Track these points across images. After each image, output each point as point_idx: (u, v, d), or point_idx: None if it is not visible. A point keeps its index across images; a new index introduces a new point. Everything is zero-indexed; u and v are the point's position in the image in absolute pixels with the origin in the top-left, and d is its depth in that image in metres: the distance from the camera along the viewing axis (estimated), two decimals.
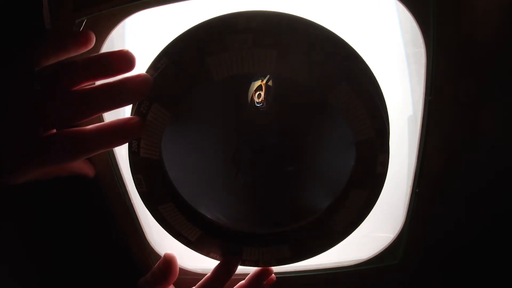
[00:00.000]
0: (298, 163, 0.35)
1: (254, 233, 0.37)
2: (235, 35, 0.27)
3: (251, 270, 0.40)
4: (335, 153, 0.34)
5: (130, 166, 0.32)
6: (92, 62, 0.28)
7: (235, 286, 0.40)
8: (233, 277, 0.38)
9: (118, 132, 0.29)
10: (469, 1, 0.32)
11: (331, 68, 0.28)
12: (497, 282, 0.44)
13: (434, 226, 0.40)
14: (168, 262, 0.38)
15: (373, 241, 0.43)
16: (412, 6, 0.31)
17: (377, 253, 0.42)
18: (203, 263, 0.42)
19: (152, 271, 0.38)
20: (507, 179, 0.38)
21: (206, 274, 0.38)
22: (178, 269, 0.38)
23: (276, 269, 0.40)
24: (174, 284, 0.39)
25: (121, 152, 0.37)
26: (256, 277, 0.40)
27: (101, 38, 0.32)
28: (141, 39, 0.36)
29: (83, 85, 0.28)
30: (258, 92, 0.31)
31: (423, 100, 0.34)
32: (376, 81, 0.32)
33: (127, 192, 0.40)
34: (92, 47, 0.30)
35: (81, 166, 0.36)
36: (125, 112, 0.37)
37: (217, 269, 0.38)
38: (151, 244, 0.43)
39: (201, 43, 0.28)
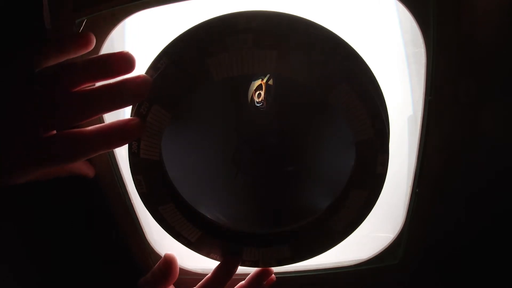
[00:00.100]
0: (298, 163, 0.35)
1: (254, 233, 0.37)
2: (235, 36, 0.27)
3: (251, 270, 0.40)
4: (335, 153, 0.34)
5: (130, 167, 0.32)
6: (92, 63, 0.28)
7: (235, 287, 0.40)
8: (233, 278, 0.38)
9: (118, 133, 0.29)
10: (469, 1, 0.32)
11: (331, 68, 0.28)
12: (497, 282, 0.44)
13: (434, 226, 0.40)
14: (168, 262, 0.38)
15: (373, 241, 0.43)
16: (412, 6, 0.31)
17: (377, 253, 0.42)
18: (203, 263, 0.42)
19: (152, 271, 0.38)
20: (507, 179, 0.38)
21: (206, 274, 0.38)
22: (178, 269, 0.38)
23: (276, 269, 0.40)
24: (174, 284, 0.39)
25: (121, 153, 0.37)
26: (256, 277, 0.40)
27: (101, 38, 0.32)
28: (141, 39, 0.36)
29: (83, 86, 0.28)
30: (258, 92, 0.31)
31: (423, 100, 0.34)
32: (376, 81, 0.32)
33: (127, 192, 0.40)
34: (92, 48, 0.30)
35: (81, 166, 0.36)
36: (125, 113, 0.37)
37: (217, 269, 0.38)
38: (151, 244, 0.43)
39: (201, 43, 0.28)
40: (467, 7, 0.32)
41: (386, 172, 0.32)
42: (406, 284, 0.44)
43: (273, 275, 0.40)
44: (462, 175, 0.38)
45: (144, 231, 0.42)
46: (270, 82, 0.31)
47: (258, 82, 0.31)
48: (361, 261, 0.43)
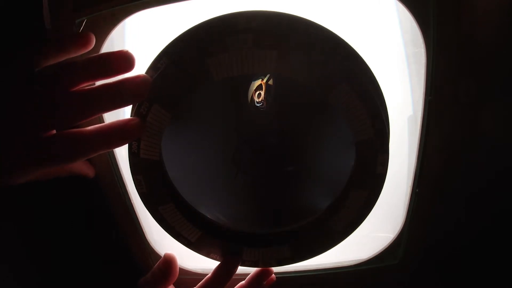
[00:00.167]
0: (298, 163, 0.35)
1: (254, 233, 0.37)
2: (235, 36, 0.27)
3: (251, 270, 0.40)
4: (335, 153, 0.34)
5: (130, 167, 0.32)
6: (92, 62, 0.28)
7: (235, 287, 0.40)
8: (233, 278, 0.38)
9: (118, 133, 0.29)
10: (469, 1, 0.32)
11: (331, 68, 0.28)
12: (497, 282, 0.44)
13: (434, 226, 0.40)
14: (168, 262, 0.38)
15: (373, 241, 0.43)
16: (412, 6, 0.31)
17: (377, 253, 0.42)
18: (203, 263, 0.42)
19: (152, 271, 0.38)
20: (507, 179, 0.38)
21: (206, 274, 0.38)
22: (178, 269, 0.38)
23: (276, 269, 0.40)
24: (174, 284, 0.39)
25: (121, 153, 0.37)
26: (256, 277, 0.40)
27: (101, 38, 0.32)
28: (141, 39, 0.36)
29: (83, 85, 0.28)
30: (258, 92, 0.31)
31: (423, 100, 0.34)
32: (376, 81, 0.32)
33: (127, 192, 0.40)
34: (92, 48, 0.30)
35: (81, 166, 0.36)
36: (125, 112, 0.37)
37: (217, 269, 0.38)
38: (151, 244, 0.43)
39: (201, 43, 0.28)
40: (467, 7, 0.32)
41: (386, 172, 0.32)
42: (406, 284, 0.44)
43: (273, 275, 0.40)
44: (462, 175, 0.38)
45: (144, 231, 0.42)
46: (270, 82, 0.31)
47: (258, 82, 0.31)
48: (361, 261, 0.43)
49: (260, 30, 0.28)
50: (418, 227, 0.39)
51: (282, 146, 0.34)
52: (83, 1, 0.31)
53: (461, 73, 0.33)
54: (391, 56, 0.36)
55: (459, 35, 0.32)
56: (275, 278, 0.41)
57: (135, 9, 0.31)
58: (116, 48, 0.34)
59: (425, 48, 0.32)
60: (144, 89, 0.29)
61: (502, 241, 0.42)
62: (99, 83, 0.29)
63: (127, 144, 0.31)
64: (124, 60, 0.28)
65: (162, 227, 0.36)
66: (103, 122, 0.35)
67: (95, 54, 0.29)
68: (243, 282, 0.40)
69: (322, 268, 0.43)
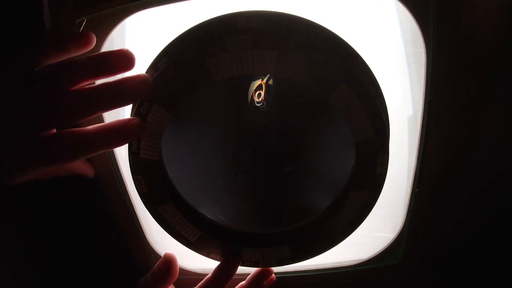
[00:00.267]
0: (298, 163, 0.35)
1: (254, 233, 0.37)
2: (235, 36, 0.27)
3: (251, 270, 0.40)
4: (335, 153, 0.34)
5: (130, 167, 0.32)
6: (92, 61, 0.28)
7: (236, 287, 0.40)
8: (233, 278, 0.38)
9: (118, 133, 0.29)
10: (469, 1, 0.32)
11: (331, 69, 0.28)
12: (497, 282, 0.44)
13: (434, 226, 0.40)
14: (168, 262, 0.38)
15: (373, 241, 0.43)
16: (412, 6, 0.31)
17: (377, 253, 0.42)
18: (203, 263, 0.42)
19: (152, 271, 0.38)
20: (507, 179, 0.38)
21: (207, 274, 0.38)
22: (178, 269, 0.38)
23: (276, 269, 0.40)
24: (174, 284, 0.39)
25: (121, 153, 0.37)
26: (256, 277, 0.40)
27: (101, 38, 0.32)
28: (141, 39, 0.36)
29: (83, 84, 0.28)
30: (258, 92, 0.31)
31: (423, 100, 0.34)
32: (376, 81, 0.32)
33: (127, 192, 0.40)
34: (92, 47, 0.30)
35: (81, 166, 0.36)
36: (125, 112, 0.37)
37: (218, 270, 0.38)
38: (151, 244, 0.43)
39: (201, 43, 0.28)
40: (467, 7, 0.32)
41: (386, 172, 0.32)
42: (406, 284, 0.44)
43: (273, 275, 0.40)
44: (462, 175, 0.38)
45: (144, 231, 0.42)
46: (270, 82, 0.31)
47: (258, 82, 0.31)
48: (361, 261, 0.43)
49: (260, 30, 0.28)
50: (418, 227, 0.39)
51: (282, 146, 0.34)
52: (83, 1, 0.31)
53: (461, 73, 0.33)
54: (391, 56, 0.36)
55: (459, 35, 0.32)
56: (275, 278, 0.41)
57: (135, 9, 0.31)
58: (116, 48, 0.34)
59: (425, 48, 0.32)
60: (144, 88, 0.29)
61: (502, 241, 0.42)
62: (99, 82, 0.29)
63: (127, 144, 0.31)
64: (124, 59, 0.28)
65: (162, 227, 0.36)
66: (103, 121, 0.35)
67: (95, 53, 0.29)
68: (243, 282, 0.40)
69: (322, 268, 0.43)
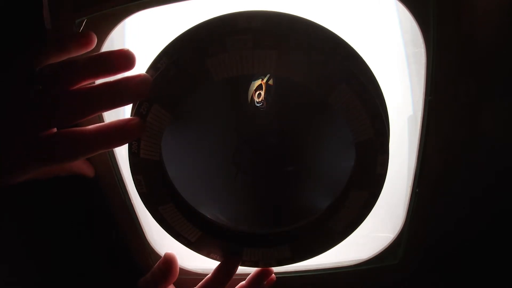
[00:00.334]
0: (298, 163, 0.35)
1: (254, 233, 0.37)
2: (235, 36, 0.27)
3: (251, 270, 0.40)
4: (335, 153, 0.34)
5: (130, 167, 0.32)
6: (93, 61, 0.28)
7: (236, 287, 0.40)
8: (233, 278, 0.38)
9: (118, 133, 0.29)
10: (469, 1, 0.32)
11: (331, 69, 0.28)
12: (497, 282, 0.44)
13: (434, 226, 0.40)
14: (168, 262, 0.38)
15: (373, 241, 0.43)
16: (412, 6, 0.31)
17: (377, 253, 0.42)
18: (203, 263, 0.42)
19: (152, 271, 0.38)
20: (507, 179, 0.38)
21: (206, 275, 0.38)
22: (178, 269, 0.38)
23: (276, 269, 0.40)
24: (174, 284, 0.39)
25: (121, 153, 0.37)
26: (257, 277, 0.40)
27: (101, 38, 0.32)
28: (141, 39, 0.36)
29: (83, 84, 0.28)
30: (258, 92, 0.31)
31: (423, 100, 0.34)
32: (376, 81, 0.32)
33: (127, 192, 0.40)
34: (94, 47, 0.30)
35: (81, 166, 0.36)
36: (125, 112, 0.37)
37: (217, 270, 0.38)
38: (151, 244, 0.43)
39: (201, 43, 0.28)
40: (467, 7, 0.32)
41: (386, 172, 0.32)
42: (406, 284, 0.44)
43: (273, 275, 0.40)
44: (462, 175, 0.38)
45: (144, 231, 0.42)
46: (270, 82, 0.31)
47: (258, 82, 0.31)
48: (361, 261, 0.43)
49: (260, 30, 0.28)
50: (418, 227, 0.39)
51: (282, 146, 0.34)
52: (83, 1, 0.31)
53: (461, 73, 0.33)
54: (391, 56, 0.36)
55: (459, 35, 0.32)
56: (275, 278, 0.41)
57: (135, 9, 0.31)
58: (116, 48, 0.34)
59: (425, 48, 0.32)
60: (144, 88, 0.29)
61: (502, 241, 0.42)
62: (99, 82, 0.29)
63: (127, 144, 0.31)
64: (124, 58, 0.29)
65: (162, 227, 0.36)
66: (103, 121, 0.35)
67: (96, 53, 0.29)
68: (243, 282, 0.40)
69: (322, 268, 0.43)
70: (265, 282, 0.40)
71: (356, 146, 0.31)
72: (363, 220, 0.35)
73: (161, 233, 0.37)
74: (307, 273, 0.43)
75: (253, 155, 0.34)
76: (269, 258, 0.38)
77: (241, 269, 0.38)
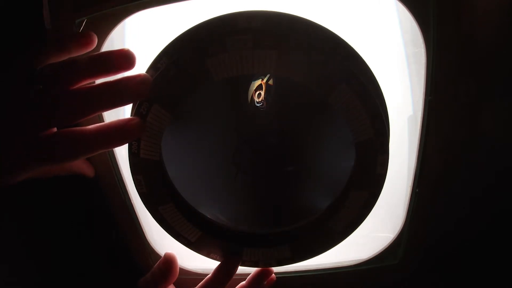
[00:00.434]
0: (298, 163, 0.35)
1: (254, 233, 0.37)
2: (235, 36, 0.27)
3: (251, 270, 0.40)
4: (335, 153, 0.34)
5: (130, 167, 0.32)
6: (93, 60, 0.28)
7: (236, 287, 0.40)
8: (233, 278, 0.38)
9: (118, 133, 0.29)
10: (469, 1, 0.32)
11: (331, 69, 0.28)
12: (497, 282, 0.44)
13: (434, 226, 0.40)
14: (168, 262, 0.38)
15: (373, 241, 0.43)
16: (412, 6, 0.31)
17: (377, 253, 0.42)
18: (203, 263, 0.42)
19: (152, 271, 0.38)
20: (507, 179, 0.38)
21: (207, 275, 0.38)
22: (178, 269, 0.38)
23: (276, 269, 0.40)
24: (174, 284, 0.39)
25: (121, 153, 0.37)
26: (257, 277, 0.40)
27: (101, 38, 0.32)
28: (141, 39, 0.36)
29: (83, 83, 0.28)
30: (258, 92, 0.31)
31: (423, 100, 0.34)
32: (376, 81, 0.32)
33: (127, 192, 0.40)
34: (94, 47, 0.30)
35: (81, 165, 0.36)
36: (125, 112, 0.37)
37: (218, 270, 0.38)
38: (151, 244, 0.43)
39: (201, 43, 0.28)
40: (467, 7, 0.32)
41: (386, 172, 0.32)
42: (406, 284, 0.44)
43: (273, 275, 0.40)
44: (462, 175, 0.38)
45: (144, 231, 0.42)
46: (270, 82, 0.31)
47: (258, 82, 0.31)
48: (361, 261, 0.43)
49: (260, 30, 0.28)
50: (418, 227, 0.39)
51: (282, 146, 0.34)
52: (83, 1, 0.31)
53: (461, 73, 0.33)
54: (391, 56, 0.36)
55: (459, 35, 0.32)
56: (275, 278, 0.41)
57: (135, 9, 0.31)
58: (116, 48, 0.34)
59: (425, 48, 0.32)
60: (144, 88, 0.29)
61: (502, 241, 0.42)
62: (99, 81, 0.29)
63: (127, 144, 0.31)
64: (125, 58, 0.29)
65: (162, 227, 0.36)
66: (103, 121, 0.35)
67: (96, 53, 0.29)
68: (243, 282, 0.40)
69: (322, 268, 0.43)
70: (265, 282, 0.40)
71: (356, 146, 0.31)
72: (363, 220, 0.35)
73: (161, 233, 0.37)
74: (307, 273, 0.43)
75: (253, 155, 0.34)
76: (269, 258, 0.38)
77: (241, 269, 0.38)
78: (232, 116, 0.33)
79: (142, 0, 0.31)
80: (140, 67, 0.30)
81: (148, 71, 0.30)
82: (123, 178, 0.39)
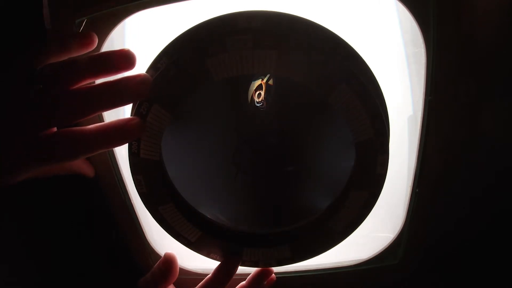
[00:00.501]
0: (298, 163, 0.35)
1: (254, 233, 0.37)
2: (235, 36, 0.27)
3: (251, 270, 0.40)
4: (335, 153, 0.34)
5: (130, 167, 0.32)
6: (93, 60, 0.28)
7: (236, 287, 0.40)
8: (233, 278, 0.38)
9: (118, 133, 0.29)
10: (469, 1, 0.32)
11: (331, 69, 0.28)
12: (497, 282, 0.44)
13: (434, 226, 0.40)
14: (168, 262, 0.38)
15: (373, 241, 0.43)
16: (412, 6, 0.31)
17: (377, 253, 0.42)
18: (203, 263, 0.42)
19: (152, 271, 0.38)
20: (507, 179, 0.38)
21: (207, 275, 0.38)
22: (178, 269, 0.38)
23: (276, 269, 0.40)
24: (174, 284, 0.39)
25: (121, 153, 0.37)
26: (257, 277, 0.40)
27: (101, 38, 0.32)
28: (141, 39, 0.36)
29: (83, 83, 0.28)
30: (258, 92, 0.31)
31: (423, 100, 0.34)
32: (376, 81, 0.32)
33: (127, 192, 0.40)
34: (95, 47, 0.30)
35: (81, 165, 0.36)
36: (125, 112, 0.37)
37: (218, 270, 0.38)
38: (151, 244, 0.43)
39: (201, 43, 0.28)
40: (467, 7, 0.32)
41: (386, 172, 0.32)
42: (406, 284, 0.44)
43: (273, 275, 0.40)
44: (462, 175, 0.38)
45: (144, 231, 0.42)
46: (270, 82, 0.31)
47: (258, 82, 0.31)
48: (361, 261, 0.43)
49: (260, 30, 0.28)
50: (418, 227, 0.39)
51: (282, 146, 0.34)
52: (83, 1, 0.31)
53: (461, 73, 0.33)
54: (391, 56, 0.36)
55: (459, 35, 0.32)
56: (275, 278, 0.41)
57: (135, 9, 0.31)
58: (116, 48, 0.34)
59: (425, 48, 0.32)
60: (144, 88, 0.29)
61: (502, 241, 0.42)
62: (99, 81, 0.29)
63: (127, 144, 0.31)
64: (125, 58, 0.29)
65: (162, 227, 0.36)
66: (103, 121, 0.35)
67: (96, 53, 0.29)
68: (243, 282, 0.40)
69: (322, 268, 0.43)
70: (265, 282, 0.40)
71: (356, 146, 0.31)
72: (363, 220, 0.35)
73: (161, 233, 0.37)
74: (307, 273, 0.43)
75: (253, 155, 0.34)
76: (269, 258, 0.38)
77: (241, 269, 0.38)
78: (232, 116, 0.33)
79: (142, 0, 0.31)
80: (140, 67, 0.30)
81: (148, 71, 0.30)
82: (123, 178, 0.39)
